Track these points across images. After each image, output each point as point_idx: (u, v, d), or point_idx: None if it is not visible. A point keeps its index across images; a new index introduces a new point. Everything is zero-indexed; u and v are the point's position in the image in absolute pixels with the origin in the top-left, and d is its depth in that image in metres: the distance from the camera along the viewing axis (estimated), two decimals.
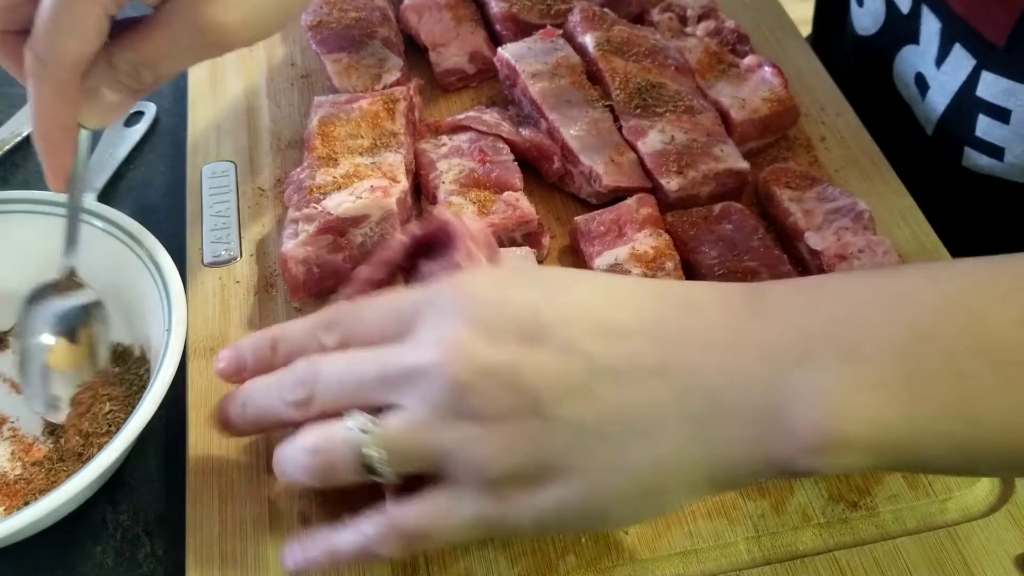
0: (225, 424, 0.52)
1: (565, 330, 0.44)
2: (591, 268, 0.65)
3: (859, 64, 0.87)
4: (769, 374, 0.42)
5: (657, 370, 0.44)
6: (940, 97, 0.76)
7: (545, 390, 0.43)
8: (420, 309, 0.48)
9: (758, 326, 0.44)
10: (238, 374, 0.52)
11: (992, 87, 0.70)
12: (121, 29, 0.51)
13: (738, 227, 0.66)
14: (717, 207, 0.68)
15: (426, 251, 0.56)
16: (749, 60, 0.78)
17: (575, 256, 0.68)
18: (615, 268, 0.64)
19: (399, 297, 0.50)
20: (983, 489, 0.57)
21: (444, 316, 0.46)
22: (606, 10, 0.82)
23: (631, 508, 0.46)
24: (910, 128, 0.81)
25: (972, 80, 0.72)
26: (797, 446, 0.41)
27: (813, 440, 0.41)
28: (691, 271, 0.66)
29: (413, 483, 0.47)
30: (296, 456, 0.48)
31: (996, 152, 0.73)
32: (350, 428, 0.46)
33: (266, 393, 0.50)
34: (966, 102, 0.73)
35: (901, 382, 0.41)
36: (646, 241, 0.64)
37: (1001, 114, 0.71)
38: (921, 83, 0.78)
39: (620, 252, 0.64)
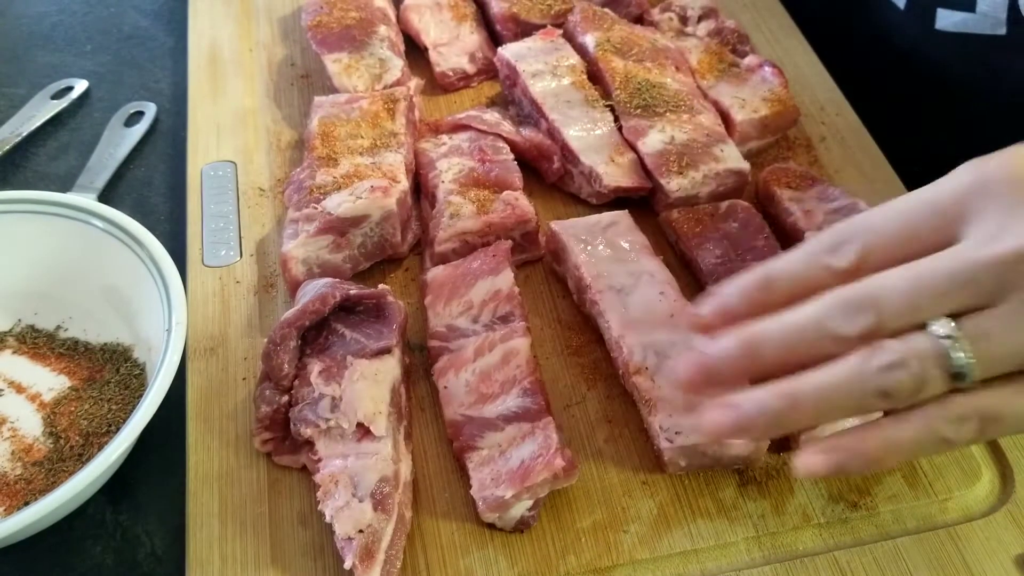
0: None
1: None
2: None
3: None
4: None
5: None
6: None
7: None
8: (968, 200, 0.45)
9: None
10: (723, 322, 0.48)
11: None
12: None
13: (743, 225, 0.67)
14: (724, 204, 0.68)
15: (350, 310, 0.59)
16: (749, 60, 0.78)
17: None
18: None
19: (922, 196, 0.46)
20: (983, 489, 0.57)
21: (1011, 203, 0.43)
22: (606, 10, 0.82)
23: None
24: (884, 10, 0.82)
25: None
26: None
27: None
28: (693, 269, 0.66)
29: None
30: (870, 378, 0.43)
31: (968, 4, 0.74)
32: (936, 333, 0.43)
33: (794, 332, 0.45)
34: None
35: None
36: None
37: None
38: None
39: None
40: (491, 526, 0.54)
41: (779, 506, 0.56)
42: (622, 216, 0.66)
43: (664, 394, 0.56)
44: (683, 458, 0.55)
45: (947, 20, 0.77)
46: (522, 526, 0.54)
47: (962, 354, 0.43)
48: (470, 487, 0.54)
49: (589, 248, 0.64)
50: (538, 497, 0.53)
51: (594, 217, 0.66)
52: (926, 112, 0.84)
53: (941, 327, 0.43)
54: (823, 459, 0.45)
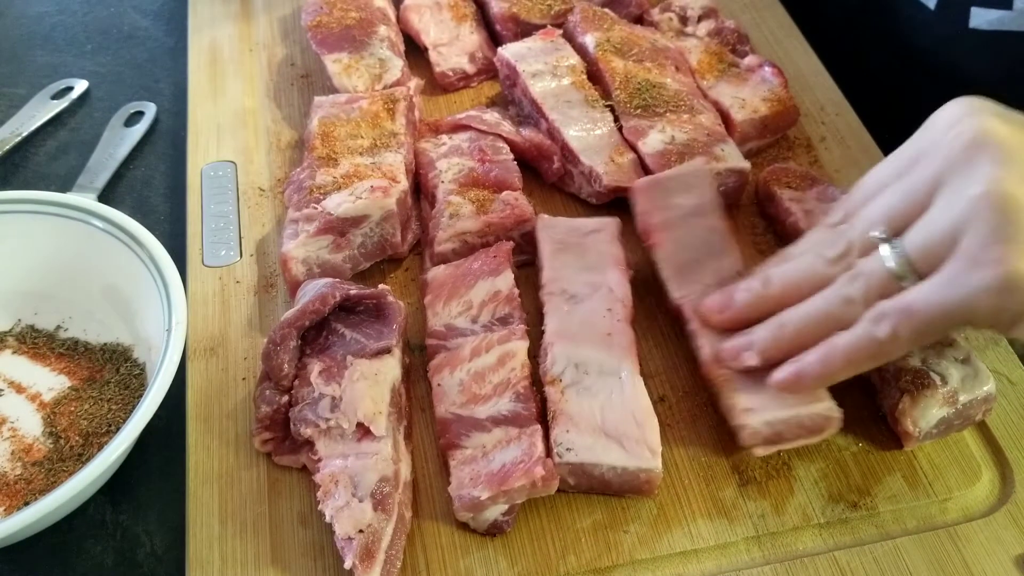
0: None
1: None
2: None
3: None
4: None
5: None
6: None
7: None
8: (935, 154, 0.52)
9: None
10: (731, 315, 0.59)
11: None
12: None
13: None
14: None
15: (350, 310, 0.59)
16: (749, 60, 0.78)
17: None
18: None
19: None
20: (983, 489, 0.57)
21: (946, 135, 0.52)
22: (606, 10, 0.82)
23: None
24: (913, 12, 0.81)
25: None
26: None
27: None
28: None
29: None
30: (836, 289, 0.54)
31: (1004, 1, 0.74)
32: (875, 235, 0.52)
33: (801, 268, 0.57)
34: None
35: None
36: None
37: None
38: None
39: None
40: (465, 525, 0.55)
41: (779, 506, 0.56)
42: (609, 224, 0.65)
43: (568, 409, 0.56)
44: (571, 476, 0.55)
45: (982, 19, 0.76)
46: (495, 530, 0.54)
47: (890, 249, 0.51)
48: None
49: (561, 249, 0.64)
50: (514, 503, 0.53)
51: (581, 220, 0.66)
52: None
53: (877, 230, 0.52)
54: (788, 369, 0.54)
